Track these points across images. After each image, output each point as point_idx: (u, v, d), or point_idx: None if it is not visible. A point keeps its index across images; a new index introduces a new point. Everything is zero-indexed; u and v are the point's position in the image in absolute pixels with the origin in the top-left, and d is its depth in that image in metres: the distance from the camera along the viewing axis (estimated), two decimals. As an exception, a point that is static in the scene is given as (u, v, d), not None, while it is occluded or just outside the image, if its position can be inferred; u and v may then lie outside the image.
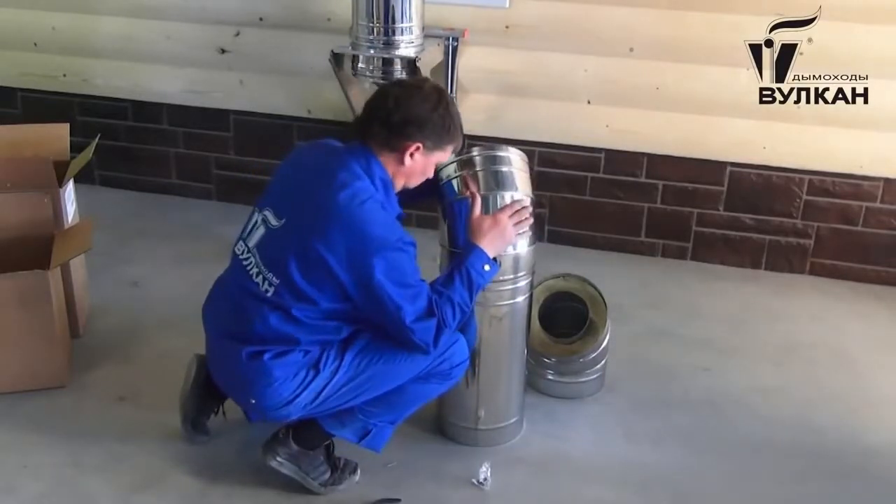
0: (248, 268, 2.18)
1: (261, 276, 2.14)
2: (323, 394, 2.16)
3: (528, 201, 2.33)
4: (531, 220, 2.33)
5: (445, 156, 2.23)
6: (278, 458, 2.26)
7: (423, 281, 2.13)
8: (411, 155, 2.15)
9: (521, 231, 2.30)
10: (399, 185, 2.22)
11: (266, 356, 2.11)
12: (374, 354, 2.17)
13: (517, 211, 2.28)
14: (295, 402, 2.14)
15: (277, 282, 2.10)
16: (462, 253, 2.23)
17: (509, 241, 2.28)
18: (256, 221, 2.21)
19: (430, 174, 2.26)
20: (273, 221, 2.16)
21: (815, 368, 2.99)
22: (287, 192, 2.20)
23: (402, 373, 2.20)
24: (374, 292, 2.05)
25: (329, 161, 2.18)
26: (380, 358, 2.18)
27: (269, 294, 2.12)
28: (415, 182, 2.24)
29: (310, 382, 2.14)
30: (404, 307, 2.06)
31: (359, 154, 2.16)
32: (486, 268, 2.19)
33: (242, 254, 2.21)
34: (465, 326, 2.37)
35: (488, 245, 2.21)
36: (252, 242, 2.19)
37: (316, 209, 2.09)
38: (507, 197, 2.31)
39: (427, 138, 2.14)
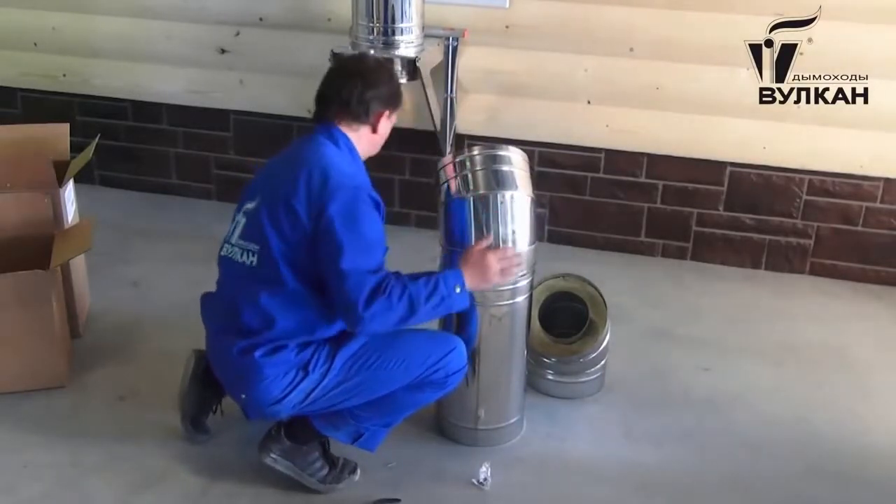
0: (233, 256, 2.21)
1: (245, 254, 2.18)
2: (312, 395, 2.17)
3: (522, 255, 2.32)
4: (518, 271, 2.32)
5: (394, 119, 2.35)
6: (272, 455, 2.27)
7: (381, 248, 2.14)
8: (380, 122, 2.28)
9: (504, 278, 2.27)
10: (366, 154, 2.31)
11: (257, 353, 2.13)
12: (365, 360, 2.19)
13: (507, 258, 2.26)
14: (284, 401, 2.16)
15: (257, 247, 2.15)
16: (443, 270, 2.24)
17: (489, 281, 2.24)
18: (237, 220, 2.25)
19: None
20: (250, 207, 2.22)
21: (815, 368, 2.99)
22: (260, 183, 2.28)
23: (394, 380, 2.20)
24: (323, 228, 2.07)
25: (294, 145, 2.32)
26: (371, 364, 2.19)
27: (253, 264, 2.15)
28: (378, 148, 2.35)
29: (299, 383, 2.15)
30: (346, 252, 2.05)
31: (321, 129, 2.26)
32: (457, 289, 2.16)
33: (228, 252, 2.25)
34: (466, 328, 2.38)
35: (468, 274, 2.20)
36: (234, 238, 2.23)
37: (284, 170, 2.18)
38: (508, 196, 2.31)
39: (390, 104, 2.30)
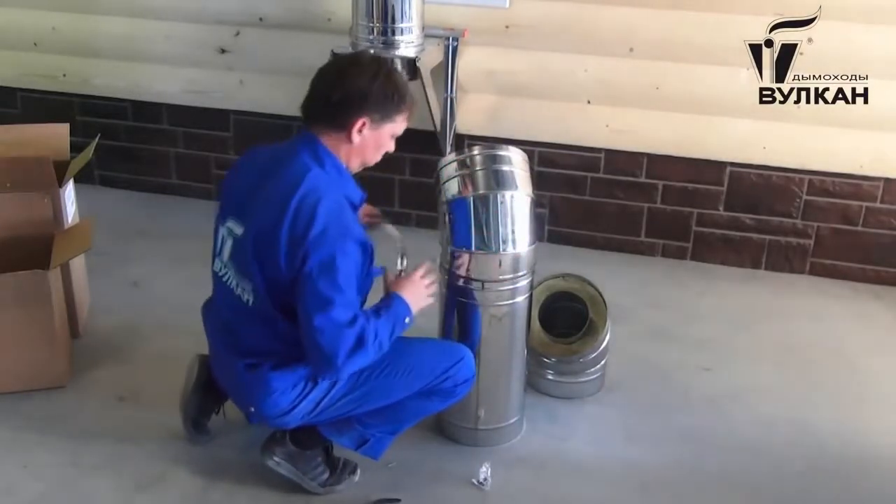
0: (228, 282, 2.17)
1: (240, 288, 2.13)
2: (321, 405, 2.16)
3: (434, 272, 2.30)
4: (434, 289, 2.28)
5: (398, 127, 2.13)
6: (275, 458, 2.26)
7: (359, 295, 2.07)
8: (359, 131, 2.06)
9: (430, 298, 2.25)
10: (355, 164, 2.14)
11: (265, 367, 2.11)
12: (373, 369, 2.16)
13: (425, 277, 2.23)
14: (293, 412, 2.14)
15: (250, 286, 2.09)
16: (390, 300, 2.14)
17: (423, 303, 2.21)
18: (223, 235, 2.19)
19: (390, 147, 2.16)
20: (237, 231, 2.12)
21: (815, 368, 2.99)
22: (243, 198, 2.14)
23: (402, 389, 2.20)
24: (303, 277, 1.96)
25: (278, 159, 2.12)
26: (379, 373, 2.17)
27: (250, 303, 2.11)
28: (373, 158, 2.15)
29: (308, 393, 2.14)
30: (322, 305, 1.95)
31: (305, 143, 2.08)
32: (406, 320, 2.13)
33: (220, 270, 2.21)
34: (468, 333, 2.38)
35: (409, 301, 2.15)
36: (226, 256, 2.18)
37: (271, 209, 2.03)
38: (508, 196, 2.31)
39: (372, 111, 2.05)
